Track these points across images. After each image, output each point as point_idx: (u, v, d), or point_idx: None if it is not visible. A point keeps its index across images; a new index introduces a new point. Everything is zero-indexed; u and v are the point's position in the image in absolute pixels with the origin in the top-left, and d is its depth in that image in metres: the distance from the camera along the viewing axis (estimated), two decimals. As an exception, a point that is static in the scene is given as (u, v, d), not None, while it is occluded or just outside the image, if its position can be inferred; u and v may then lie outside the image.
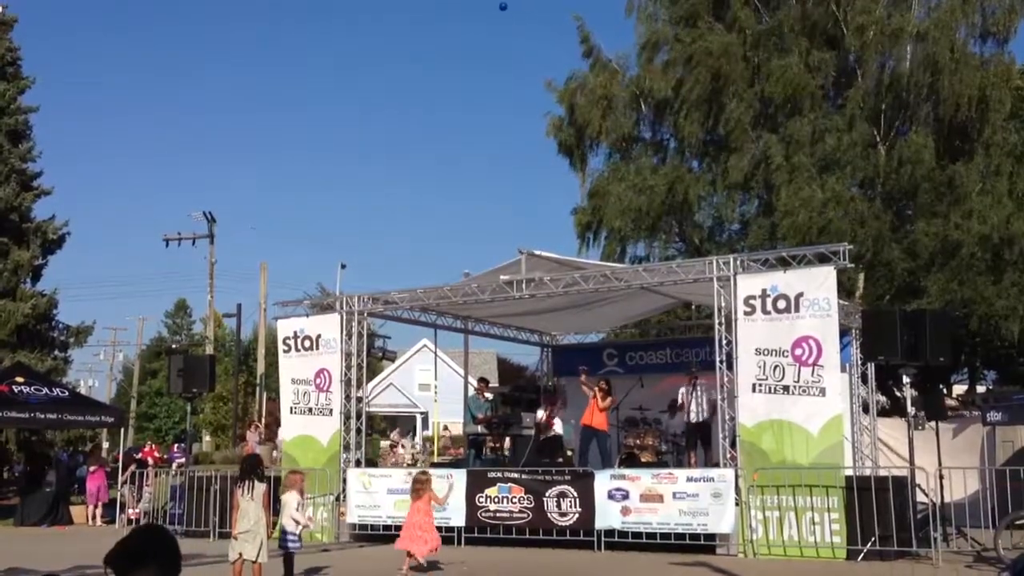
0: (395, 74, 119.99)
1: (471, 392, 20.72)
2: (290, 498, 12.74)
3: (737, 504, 14.96)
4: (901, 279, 27.86)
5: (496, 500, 16.89)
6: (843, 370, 16.36)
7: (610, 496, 15.92)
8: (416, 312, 20.62)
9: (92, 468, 24.37)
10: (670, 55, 31.25)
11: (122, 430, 27.76)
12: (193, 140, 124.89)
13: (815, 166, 27.99)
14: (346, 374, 19.22)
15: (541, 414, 20.09)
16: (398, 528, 17.22)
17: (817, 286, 14.99)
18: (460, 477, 17.41)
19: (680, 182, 30.31)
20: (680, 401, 19.05)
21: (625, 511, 15.77)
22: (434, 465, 25.88)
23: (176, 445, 39.37)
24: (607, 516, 15.88)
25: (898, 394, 28.02)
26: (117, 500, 23.02)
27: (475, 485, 17.09)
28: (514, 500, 16.74)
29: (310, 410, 19.34)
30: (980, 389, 33.81)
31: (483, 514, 16.92)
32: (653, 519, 15.51)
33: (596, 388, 19.08)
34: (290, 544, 12.34)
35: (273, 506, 13.99)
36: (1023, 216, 26.88)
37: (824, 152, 28.12)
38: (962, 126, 27.89)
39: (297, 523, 12.54)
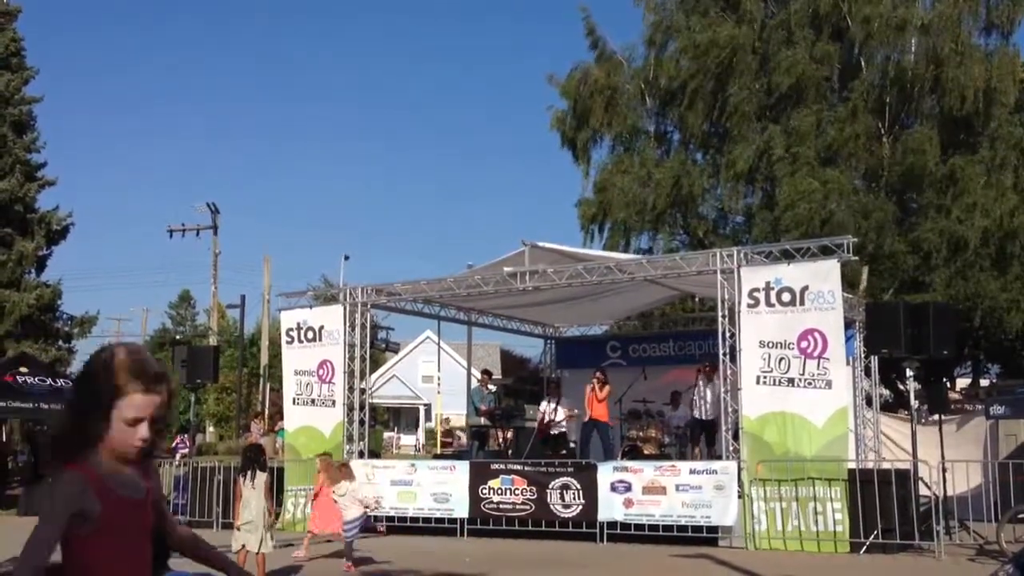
0: (398, 66, 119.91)
1: (474, 384, 20.73)
2: (346, 487, 13.31)
3: (740, 496, 14.98)
4: (905, 274, 27.85)
5: (499, 492, 16.92)
6: (847, 363, 16.37)
7: (613, 488, 15.94)
8: (419, 304, 20.64)
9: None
10: (678, 44, 31.22)
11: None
12: (197, 131, 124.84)
13: (817, 158, 27.97)
14: (349, 365, 19.23)
15: (545, 406, 20.11)
16: (401, 519, 17.37)
17: (822, 279, 14.98)
18: (463, 469, 17.45)
19: (685, 174, 30.29)
20: (692, 395, 18.98)
21: (628, 503, 15.79)
22: (437, 457, 25.92)
23: (180, 436, 39.40)
24: (610, 508, 15.90)
25: (901, 387, 28.01)
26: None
27: (478, 477, 17.12)
28: (517, 492, 16.77)
29: (313, 401, 19.37)
30: (984, 383, 33.79)
31: (486, 506, 16.95)
32: (656, 511, 15.53)
33: (593, 380, 19.12)
34: (351, 532, 12.96)
35: (276, 496, 14.10)
36: (1028, 209, 26.88)
37: (826, 143, 28.10)
38: (966, 119, 27.85)
39: (366, 506, 13.33)
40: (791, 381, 14.96)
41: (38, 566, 2.83)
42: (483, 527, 16.81)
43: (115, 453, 2.97)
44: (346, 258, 45.86)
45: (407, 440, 57.56)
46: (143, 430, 2.96)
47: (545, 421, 19.83)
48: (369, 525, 13.29)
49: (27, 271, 33.70)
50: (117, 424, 2.93)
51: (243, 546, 11.44)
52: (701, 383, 18.56)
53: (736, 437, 15.43)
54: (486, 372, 21.55)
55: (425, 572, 13.07)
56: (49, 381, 23.30)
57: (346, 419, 19.02)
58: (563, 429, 20.29)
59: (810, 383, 14.84)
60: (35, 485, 24.04)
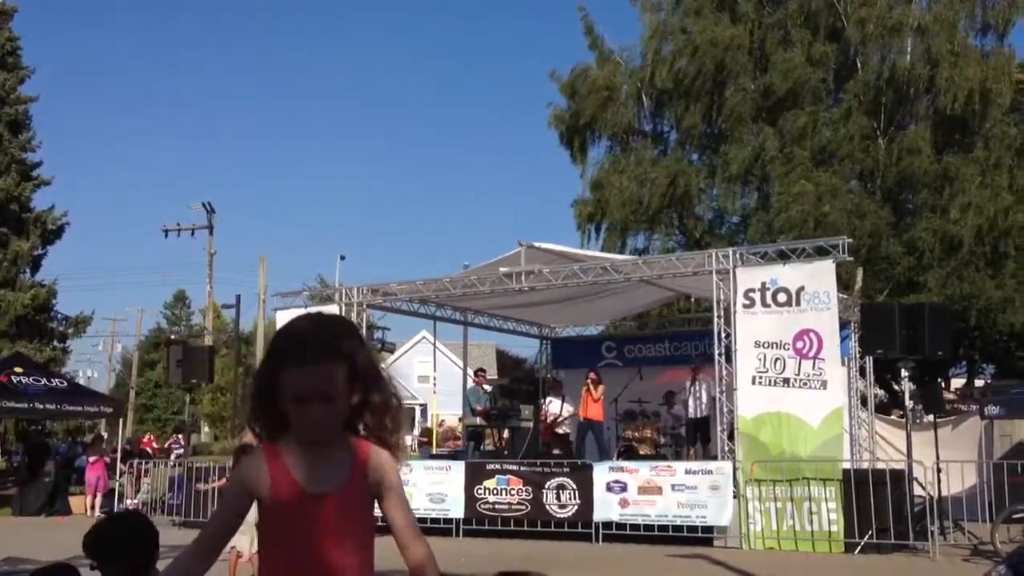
0: (395, 65, 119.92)
1: (470, 384, 20.74)
2: None
3: (735, 497, 14.99)
4: (900, 274, 27.90)
5: (495, 492, 16.93)
6: (842, 364, 16.40)
7: (608, 488, 15.96)
8: (415, 304, 20.63)
9: (93, 458, 24.41)
10: (675, 45, 31.27)
11: (121, 421, 27.79)
12: (193, 130, 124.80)
13: (812, 159, 28.02)
14: (345, 366, 19.18)
15: (552, 404, 20.13)
16: (396, 519, 17.33)
17: (817, 280, 15.03)
18: (459, 469, 17.45)
19: (681, 174, 30.34)
20: (686, 395, 19.02)
21: (623, 503, 15.81)
22: (432, 457, 25.91)
23: (174, 436, 39.38)
24: (605, 508, 15.91)
25: (896, 388, 28.04)
26: (116, 490, 23.05)
27: (474, 477, 17.13)
28: (513, 492, 16.78)
29: (309, 401, 19.32)
30: (979, 383, 33.83)
31: (482, 506, 16.96)
32: (651, 511, 15.55)
33: (587, 380, 19.17)
34: None
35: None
36: (1022, 208, 26.92)
37: (820, 145, 28.16)
38: (962, 119, 27.90)
39: None
40: (786, 381, 14.99)
41: (197, 550, 2.56)
42: (479, 527, 16.82)
43: (300, 436, 2.59)
44: (342, 258, 45.87)
45: (405, 440, 57.46)
46: (313, 410, 2.52)
47: (549, 421, 19.89)
48: None
49: (22, 271, 33.70)
50: (285, 402, 2.55)
51: (233, 547, 11.26)
52: (697, 383, 18.59)
53: (731, 437, 15.46)
54: (480, 370, 21.55)
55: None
56: (44, 381, 23.28)
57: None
58: (567, 429, 20.33)
59: (805, 383, 14.87)
60: (29, 485, 24.03)
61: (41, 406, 23.09)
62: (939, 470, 14.93)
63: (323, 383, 2.53)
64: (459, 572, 12.97)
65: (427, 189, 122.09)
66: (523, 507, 16.64)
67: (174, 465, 23.21)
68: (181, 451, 27.73)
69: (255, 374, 2.68)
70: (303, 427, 2.56)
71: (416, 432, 52.99)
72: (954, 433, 20.07)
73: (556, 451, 19.29)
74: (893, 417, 23.75)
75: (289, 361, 2.54)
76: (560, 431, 20.15)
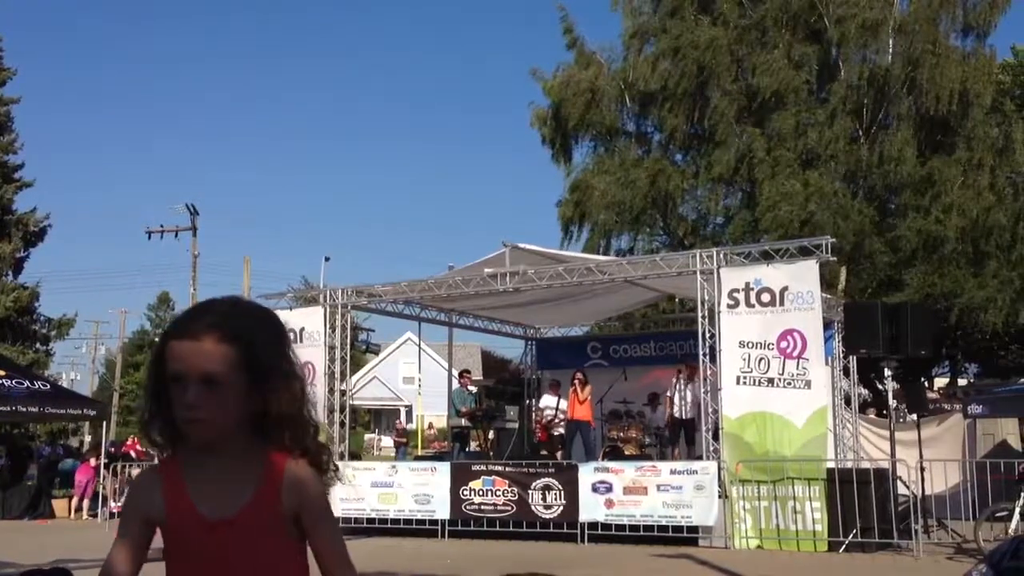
0: (378, 65, 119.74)
1: (455, 385, 20.73)
2: None
3: (720, 496, 15.03)
4: (883, 273, 28.02)
5: (480, 493, 16.93)
6: (826, 363, 16.47)
7: (594, 489, 15.98)
8: (400, 305, 20.62)
9: (94, 462, 24.25)
10: (656, 47, 31.33)
11: (104, 423, 27.66)
12: (176, 132, 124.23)
13: (797, 160, 28.11)
14: (330, 367, 19.19)
15: (549, 402, 20.12)
16: (382, 521, 17.34)
17: (801, 280, 15.07)
18: (444, 470, 17.44)
19: (663, 175, 30.37)
20: (671, 395, 19.04)
21: (609, 504, 15.83)
22: (418, 458, 25.90)
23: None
24: (591, 509, 15.93)
25: (880, 387, 28.16)
26: (99, 494, 22.94)
27: (459, 478, 17.12)
28: (498, 493, 16.78)
29: (293, 403, 19.26)
30: (961, 382, 34.02)
31: (467, 507, 16.95)
32: (637, 511, 15.57)
33: (574, 381, 19.19)
34: None
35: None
36: (1003, 208, 27.09)
37: (806, 146, 28.24)
38: (943, 120, 28.04)
39: None
40: (771, 381, 15.04)
41: None
42: (464, 528, 16.81)
43: (184, 430, 2.13)
44: (326, 259, 45.77)
45: (388, 442, 57.49)
46: (190, 393, 2.05)
47: (544, 421, 19.87)
48: None
49: (5, 273, 33.56)
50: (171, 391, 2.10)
51: None
52: (682, 383, 18.62)
53: (716, 437, 15.49)
54: (465, 371, 21.54)
55: (406, 574, 13.06)
56: (27, 383, 23.15)
57: (327, 421, 18.98)
58: (563, 431, 20.27)
59: (790, 383, 14.93)
60: (12, 488, 23.91)
61: (24, 409, 22.97)
62: (923, 469, 15.00)
63: (203, 360, 2.05)
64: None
65: (411, 190, 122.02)
66: (509, 508, 16.64)
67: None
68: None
69: (152, 350, 2.21)
70: (180, 418, 2.09)
71: (393, 433, 53.09)
72: (937, 432, 20.17)
73: (543, 452, 19.30)
74: (876, 416, 23.84)
75: (173, 331, 2.13)
76: (557, 432, 20.10)
